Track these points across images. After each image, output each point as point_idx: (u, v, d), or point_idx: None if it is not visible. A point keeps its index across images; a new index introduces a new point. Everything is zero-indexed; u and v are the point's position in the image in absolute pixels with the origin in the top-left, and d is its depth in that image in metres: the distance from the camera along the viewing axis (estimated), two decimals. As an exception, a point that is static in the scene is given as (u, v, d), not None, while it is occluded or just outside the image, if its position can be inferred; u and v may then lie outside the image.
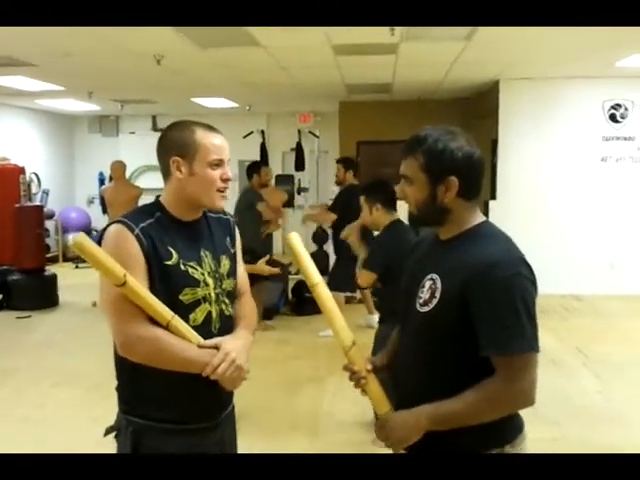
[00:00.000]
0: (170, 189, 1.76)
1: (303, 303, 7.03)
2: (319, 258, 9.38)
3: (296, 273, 8.89)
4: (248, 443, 3.60)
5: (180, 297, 1.69)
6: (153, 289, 1.64)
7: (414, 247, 1.80)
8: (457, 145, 1.54)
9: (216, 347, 1.69)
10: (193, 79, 7.44)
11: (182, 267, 1.70)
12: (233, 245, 1.90)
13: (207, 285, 1.74)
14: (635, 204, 7.67)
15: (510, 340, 1.45)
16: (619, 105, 7.63)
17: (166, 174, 1.75)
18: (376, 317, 5.77)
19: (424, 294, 1.56)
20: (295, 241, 1.75)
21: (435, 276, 1.55)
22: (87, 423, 3.93)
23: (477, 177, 1.58)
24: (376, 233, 3.84)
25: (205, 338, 1.71)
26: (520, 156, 7.75)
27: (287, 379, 4.46)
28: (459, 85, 8.00)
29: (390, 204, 3.63)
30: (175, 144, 1.73)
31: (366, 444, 3.58)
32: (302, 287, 7.27)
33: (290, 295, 7.27)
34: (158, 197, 1.79)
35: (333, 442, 3.69)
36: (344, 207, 5.96)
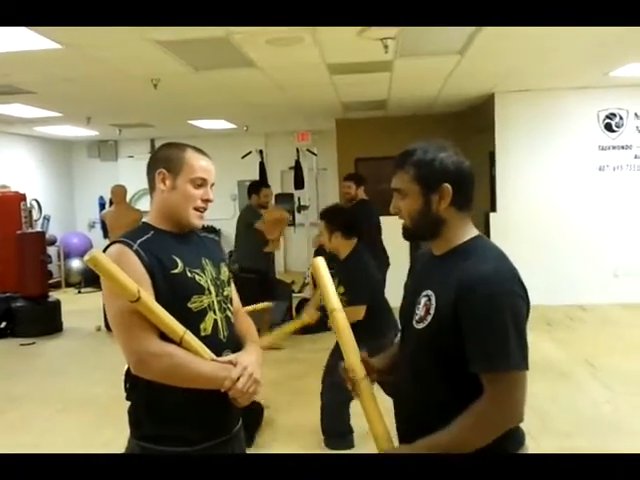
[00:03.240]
0: (154, 205, 1.82)
1: (307, 321, 7.00)
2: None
3: (299, 292, 8.89)
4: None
5: (189, 305, 1.72)
6: (160, 300, 1.65)
7: (414, 262, 1.80)
8: (446, 154, 1.56)
9: (231, 363, 1.71)
10: (189, 101, 7.50)
11: (189, 274, 1.74)
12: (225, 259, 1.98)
13: (210, 293, 1.78)
14: (635, 212, 7.68)
15: (495, 358, 1.43)
16: (614, 114, 7.68)
17: (152, 188, 1.82)
18: None
19: (420, 311, 1.56)
20: (321, 264, 1.79)
21: (430, 293, 1.55)
22: (97, 448, 3.91)
23: (469, 185, 1.59)
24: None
25: (215, 347, 1.73)
26: (518, 168, 7.78)
27: (296, 397, 4.45)
28: (454, 99, 8.05)
29: (349, 230, 3.64)
30: (164, 159, 1.81)
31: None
32: (306, 305, 7.25)
33: (294, 313, 7.25)
34: (144, 222, 1.85)
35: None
36: (363, 222, 5.96)
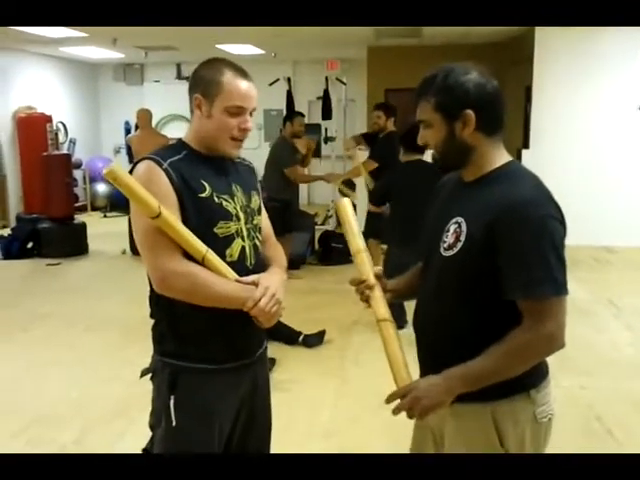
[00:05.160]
0: (192, 127, 1.75)
1: (329, 253, 7.01)
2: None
3: (322, 224, 8.86)
4: (279, 388, 3.66)
5: (215, 230, 1.68)
6: (187, 223, 1.63)
7: (437, 191, 1.74)
8: (468, 78, 1.48)
9: (254, 283, 1.69)
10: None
11: (216, 199, 1.69)
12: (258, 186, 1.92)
13: (239, 220, 1.74)
14: (673, 154, 7.41)
15: (536, 283, 1.39)
16: (660, 52, 7.30)
17: (191, 110, 1.74)
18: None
19: (449, 238, 1.51)
20: (347, 208, 1.76)
21: (460, 219, 1.50)
22: (119, 365, 4.02)
23: (494, 108, 1.51)
24: None
25: (241, 274, 1.71)
26: (554, 104, 7.49)
27: (314, 327, 4.47)
28: (492, 29, 7.69)
29: (409, 145, 4.33)
30: (201, 81, 1.70)
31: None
32: (328, 237, 7.25)
33: (316, 245, 7.26)
34: (180, 139, 1.78)
35: (360, 390, 3.71)
36: (387, 155, 5.81)
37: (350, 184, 9.09)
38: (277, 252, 1.93)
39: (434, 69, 1.52)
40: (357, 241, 1.73)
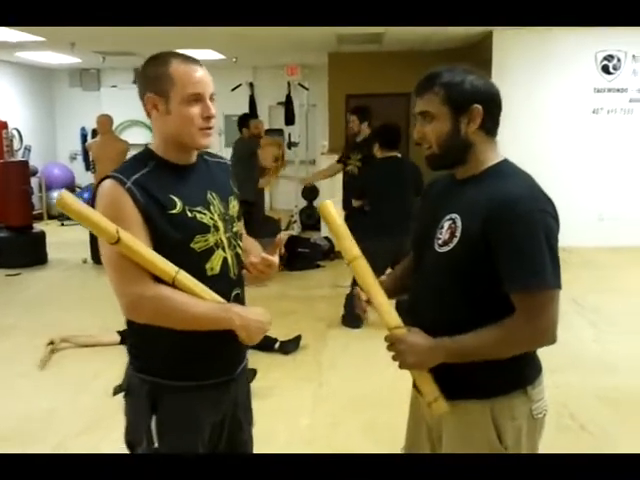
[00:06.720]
0: (154, 132, 1.64)
1: (295, 259, 7.01)
2: (309, 214, 9.36)
3: (286, 229, 8.85)
4: (257, 396, 3.63)
5: (192, 246, 1.58)
6: (161, 242, 1.54)
7: (426, 191, 1.76)
8: (475, 76, 1.52)
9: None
10: (177, 28, 7.20)
11: (189, 214, 1.58)
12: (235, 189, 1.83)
13: (217, 230, 1.64)
14: (625, 156, 7.68)
15: (530, 276, 1.42)
16: (612, 56, 7.56)
17: (148, 114, 1.61)
18: None
19: (443, 235, 1.53)
20: (330, 209, 1.64)
21: (455, 216, 1.52)
22: (87, 378, 3.94)
23: (498, 109, 1.56)
24: None
25: (225, 286, 1.64)
26: (511, 107, 7.56)
27: (287, 334, 4.46)
28: (453, 34, 7.84)
29: (386, 143, 4.59)
30: (149, 79, 1.59)
31: (371, 395, 3.62)
32: (294, 243, 7.25)
33: (282, 250, 7.23)
34: (147, 145, 1.68)
35: (338, 393, 3.72)
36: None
37: (313, 190, 9.14)
38: (252, 244, 1.89)
39: (436, 68, 1.54)
40: (351, 246, 1.63)
